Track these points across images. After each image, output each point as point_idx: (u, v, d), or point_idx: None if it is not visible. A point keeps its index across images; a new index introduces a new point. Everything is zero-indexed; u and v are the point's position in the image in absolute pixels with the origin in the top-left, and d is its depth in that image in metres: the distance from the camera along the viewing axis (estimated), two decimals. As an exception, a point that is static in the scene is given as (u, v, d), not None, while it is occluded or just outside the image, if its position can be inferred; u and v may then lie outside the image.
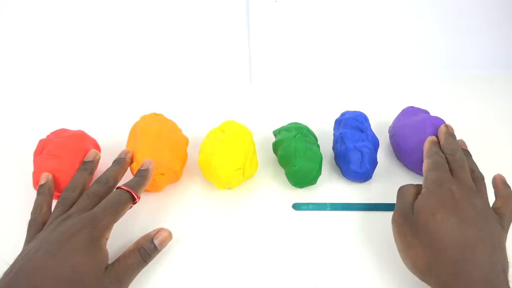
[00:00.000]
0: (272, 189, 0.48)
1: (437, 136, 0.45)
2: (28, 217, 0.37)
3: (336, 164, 0.50)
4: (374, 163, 0.48)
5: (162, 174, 0.44)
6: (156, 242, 0.36)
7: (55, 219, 0.35)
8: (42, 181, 0.41)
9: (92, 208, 0.35)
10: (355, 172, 0.46)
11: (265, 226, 0.43)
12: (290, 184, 0.47)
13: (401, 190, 0.38)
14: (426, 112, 0.54)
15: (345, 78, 0.75)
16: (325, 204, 0.45)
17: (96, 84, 0.70)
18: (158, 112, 0.52)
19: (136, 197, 0.37)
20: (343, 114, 0.53)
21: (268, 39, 0.69)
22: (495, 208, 0.36)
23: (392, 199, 0.46)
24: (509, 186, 0.39)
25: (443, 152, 0.41)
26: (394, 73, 0.76)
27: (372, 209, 0.45)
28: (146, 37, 0.67)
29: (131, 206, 0.37)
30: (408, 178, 0.50)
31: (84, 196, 0.37)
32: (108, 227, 0.34)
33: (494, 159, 0.53)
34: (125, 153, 0.43)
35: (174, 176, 0.47)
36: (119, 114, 0.63)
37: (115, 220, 0.35)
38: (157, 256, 0.38)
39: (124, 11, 0.64)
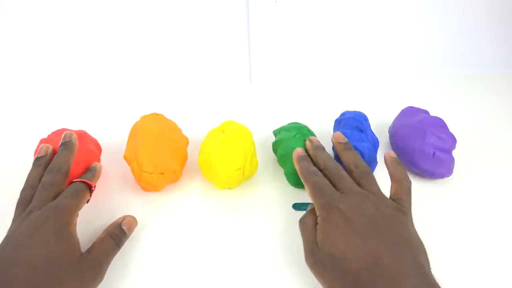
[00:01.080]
0: (272, 189, 0.48)
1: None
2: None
3: (336, 164, 0.50)
4: (374, 163, 0.48)
5: (162, 173, 0.44)
6: (124, 227, 0.38)
7: (18, 217, 0.34)
8: (41, 153, 0.39)
9: (52, 200, 0.35)
10: (355, 172, 0.46)
11: (265, 226, 0.43)
12: (290, 184, 0.47)
13: (302, 223, 0.36)
14: (426, 112, 0.54)
15: (345, 78, 0.75)
16: None
17: (97, 84, 0.70)
18: (158, 112, 0.52)
19: (91, 185, 0.39)
20: (343, 114, 0.53)
21: (268, 39, 0.69)
22: (392, 195, 0.35)
23: (392, 199, 0.46)
24: (400, 164, 0.38)
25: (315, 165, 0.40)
26: (394, 73, 0.76)
27: None
28: (146, 38, 0.67)
29: (90, 194, 0.39)
30: (408, 178, 0.50)
31: (40, 189, 0.36)
32: (73, 212, 0.34)
33: (494, 159, 0.53)
34: (69, 135, 0.41)
35: (174, 176, 0.47)
36: (119, 114, 0.63)
37: (78, 206, 0.35)
38: (159, 255, 0.38)
39: (125, 11, 0.64)
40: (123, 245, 0.37)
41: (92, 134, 0.51)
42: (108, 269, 0.35)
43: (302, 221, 0.36)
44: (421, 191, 0.47)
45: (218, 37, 0.68)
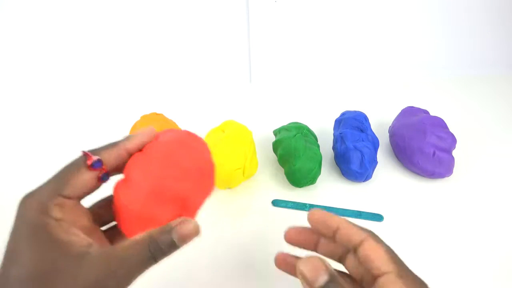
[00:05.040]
0: (272, 189, 0.48)
1: None
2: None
3: (336, 164, 0.50)
4: (374, 163, 0.48)
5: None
6: (175, 236, 0.23)
7: None
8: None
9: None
10: (355, 172, 0.46)
11: (265, 226, 0.43)
12: (290, 184, 0.47)
13: None
14: (426, 112, 0.54)
15: (345, 78, 0.75)
16: (304, 204, 0.46)
17: (97, 84, 0.70)
18: (158, 112, 0.52)
19: (88, 156, 0.24)
20: (343, 114, 0.53)
21: (268, 39, 0.69)
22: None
23: (392, 200, 0.46)
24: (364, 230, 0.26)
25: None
26: (394, 73, 0.76)
27: (355, 216, 0.44)
28: (147, 38, 0.67)
29: (92, 171, 0.24)
30: (408, 178, 0.50)
31: None
32: (45, 203, 0.22)
33: (493, 159, 0.53)
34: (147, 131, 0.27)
35: (174, 176, 0.46)
36: (119, 114, 0.63)
37: (58, 190, 0.22)
38: None
39: (126, 12, 0.64)
40: (163, 258, 0.23)
41: (92, 134, 0.51)
42: None
43: None
44: (421, 191, 0.47)
45: (218, 37, 0.68)
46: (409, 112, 0.54)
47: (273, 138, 0.52)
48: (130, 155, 0.26)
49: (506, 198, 0.47)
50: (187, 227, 0.24)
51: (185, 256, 0.40)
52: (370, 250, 0.23)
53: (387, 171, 0.51)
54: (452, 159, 0.47)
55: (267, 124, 0.57)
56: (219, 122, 0.50)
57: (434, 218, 0.44)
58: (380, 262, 0.23)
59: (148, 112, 0.51)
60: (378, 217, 0.43)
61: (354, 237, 0.24)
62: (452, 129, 0.49)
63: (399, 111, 0.56)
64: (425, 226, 0.43)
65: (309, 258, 0.21)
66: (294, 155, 0.45)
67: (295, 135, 0.47)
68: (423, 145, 0.47)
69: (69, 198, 0.23)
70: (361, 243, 0.24)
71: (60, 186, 0.23)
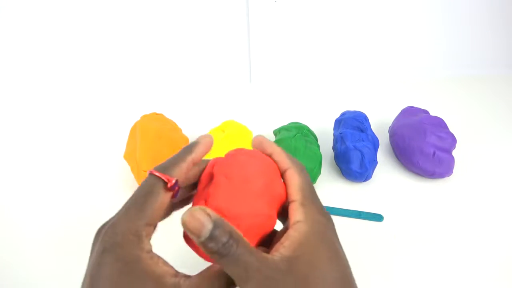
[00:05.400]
0: (272, 189, 0.48)
1: None
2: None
3: (336, 164, 0.50)
4: (374, 163, 0.48)
5: (162, 173, 0.44)
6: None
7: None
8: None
9: None
10: (355, 172, 0.46)
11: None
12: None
13: None
14: (426, 112, 0.54)
15: (345, 78, 0.75)
16: None
17: (97, 84, 0.70)
18: (158, 112, 0.52)
19: (166, 180, 0.23)
20: (343, 114, 0.53)
21: (268, 39, 0.69)
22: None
23: (392, 200, 0.46)
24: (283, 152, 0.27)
25: None
26: (394, 73, 0.76)
27: (355, 216, 0.44)
28: (147, 38, 0.67)
29: (170, 192, 0.23)
30: (408, 178, 0.50)
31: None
32: (139, 235, 0.21)
33: (493, 159, 0.53)
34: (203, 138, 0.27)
35: (174, 176, 0.47)
36: (119, 114, 0.63)
37: (144, 219, 0.21)
38: (159, 255, 0.36)
39: (126, 12, 0.64)
40: None
41: (92, 134, 0.51)
42: None
43: None
44: (421, 191, 0.47)
45: (218, 37, 0.68)
46: (409, 112, 0.54)
47: (273, 138, 0.52)
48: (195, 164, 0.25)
49: (506, 198, 0.47)
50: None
51: (184, 255, 0.40)
52: (288, 179, 0.25)
53: (387, 171, 0.51)
54: (452, 159, 0.47)
55: (267, 124, 0.57)
56: (219, 122, 0.50)
57: (434, 218, 0.44)
58: (291, 190, 0.24)
59: (148, 112, 0.51)
60: (378, 217, 0.43)
61: (281, 165, 0.26)
62: (452, 129, 0.49)
63: (399, 111, 0.56)
64: (425, 226, 0.43)
65: (190, 211, 0.20)
66: (294, 155, 0.45)
67: (295, 135, 0.47)
68: (423, 145, 0.47)
69: (153, 225, 0.22)
70: (285, 171, 0.25)
71: (145, 214, 0.21)
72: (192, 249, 0.25)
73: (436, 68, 0.77)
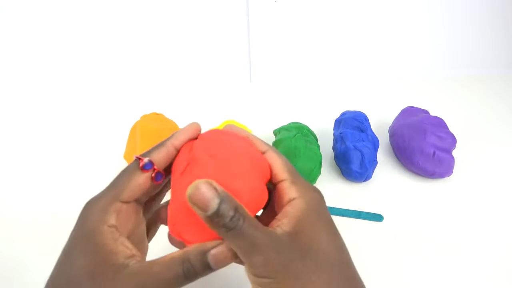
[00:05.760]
0: (272, 189, 0.48)
1: None
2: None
3: (336, 164, 0.50)
4: (374, 163, 0.48)
5: (162, 173, 0.44)
6: (210, 259, 0.23)
7: None
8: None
9: None
10: (355, 172, 0.46)
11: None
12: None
13: None
14: (426, 112, 0.54)
15: (345, 78, 0.75)
16: None
17: (97, 84, 0.70)
18: (158, 112, 0.52)
19: (139, 159, 0.24)
20: (343, 114, 0.53)
21: (268, 39, 0.69)
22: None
23: (392, 200, 0.46)
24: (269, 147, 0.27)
25: None
26: (394, 73, 0.76)
27: (355, 216, 0.44)
28: (147, 38, 0.67)
29: (146, 172, 0.24)
30: (408, 178, 0.50)
31: None
32: (105, 209, 0.23)
33: (493, 159, 0.53)
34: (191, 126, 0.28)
35: (174, 176, 0.46)
36: (119, 114, 0.63)
37: (116, 195, 0.23)
38: (159, 255, 0.26)
39: (126, 12, 0.64)
40: (197, 279, 0.23)
41: (92, 134, 0.51)
42: None
43: None
44: (421, 191, 0.47)
45: (218, 37, 0.68)
46: (409, 112, 0.54)
47: (273, 138, 0.52)
48: (178, 151, 0.26)
49: (506, 198, 0.47)
50: (221, 251, 0.23)
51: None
52: (270, 160, 0.26)
53: (387, 171, 0.51)
54: (452, 159, 0.47)
55: (267, 124, 0.57)
56: (219, 122, 0.50)
57: (434, 218, 0.44)
58: (277, 170, 0.25)
59: (148, 112, 0.51)
60: (378, 217, 0.43)
61: (259, 147, 0.26)
62: (452, 129, 0.49)
63: (399, 111, 0.56)
64: (425, 226, 0.43)
65: (196, 184, 0.20)
66: (294, 155, 0.45)
67: (295, 135, 0.47)
68: (423, 145, 0.47)
69: (127, 202, 0.24)
70: (264, 153, 0.26)
71: (118, 192, 0.24)
72: (177, 246, 0.27)
73: (436, 68, 0.77)
